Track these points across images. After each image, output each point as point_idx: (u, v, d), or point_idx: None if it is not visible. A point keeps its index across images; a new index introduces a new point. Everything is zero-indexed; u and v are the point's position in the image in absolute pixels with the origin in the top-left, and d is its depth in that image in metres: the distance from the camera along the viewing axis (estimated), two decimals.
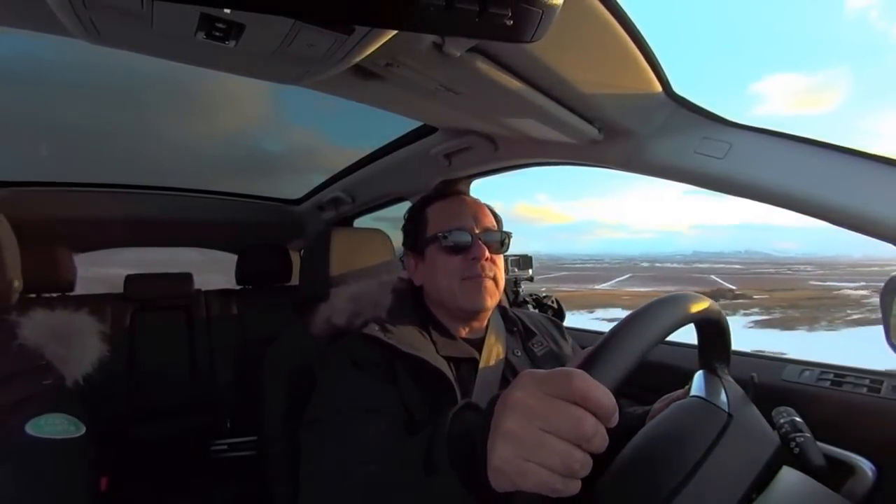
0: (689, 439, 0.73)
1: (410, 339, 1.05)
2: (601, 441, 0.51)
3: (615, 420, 0.51)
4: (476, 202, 1.23)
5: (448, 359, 1.07)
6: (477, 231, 1.14)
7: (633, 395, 1.15)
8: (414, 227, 1.23)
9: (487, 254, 1.13)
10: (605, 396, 0.51)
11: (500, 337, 1.19)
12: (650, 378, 1.03)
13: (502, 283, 1.18)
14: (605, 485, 0.70)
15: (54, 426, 0.82)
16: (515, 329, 1.25)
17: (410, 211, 1.29)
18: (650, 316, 0.66)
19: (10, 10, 0.85)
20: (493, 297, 1.15)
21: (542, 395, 0.52)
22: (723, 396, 0.80)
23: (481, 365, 1.10)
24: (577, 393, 0.51)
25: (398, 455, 0.79)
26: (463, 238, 1.13)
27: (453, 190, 1.25)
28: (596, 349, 0.60)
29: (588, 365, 0.57)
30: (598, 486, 0.70)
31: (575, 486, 0.51)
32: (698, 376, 0.87)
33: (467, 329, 1.17)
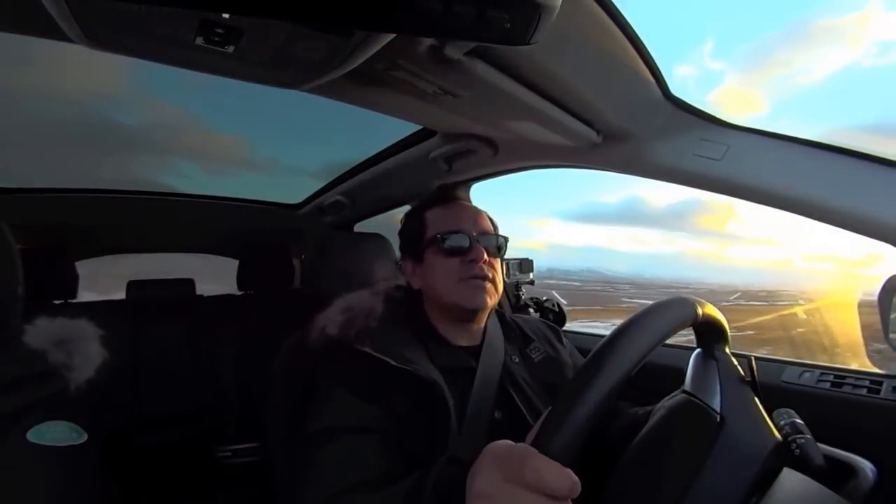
0: (683, 448, 0.73)
1: (403, 350, 1.06)
2: None
3: (575, 494, 0.53)
4: (473, 207, 1.25)
5: (444, 369, 1.07)
6: (475, 234, 1.17)
7: (633, 397, 1.15)
8: (412, 231, 1.24)
9: (485, 256, 1.15)
10: (558, 480, 0.52)
11: (498, 343, 1.20)
12: (650, 380, 1.03)
13: (501, 286, 1.19)
14: (604, 499, 0.71)
15: (56, 433, 0.82)
16: (513, 335, 1.26)
17: (408, 216, 1.31)
18: (603, 368, 0.62)
19: (7, 16, 0.85)
20: (492, 297, 1.16)
21: (501, 483, 0.55)
22: (717, 391, 0.79)
23: (479, 373, 1.11)
24: (530, 480, 0.53)
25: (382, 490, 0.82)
26: (461, 241, 1.15)
27: (451, 195, 1.28)
28: (545, 419, 0.60)
29: (540, 440, 0.58)
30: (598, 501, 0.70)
31: None
32: (694, 359, 0.87)
33: (465, 335, 1.18)
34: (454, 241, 1.16)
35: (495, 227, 1.24)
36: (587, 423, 0.58)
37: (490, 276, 1.15)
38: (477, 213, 1.24)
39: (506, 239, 1.23)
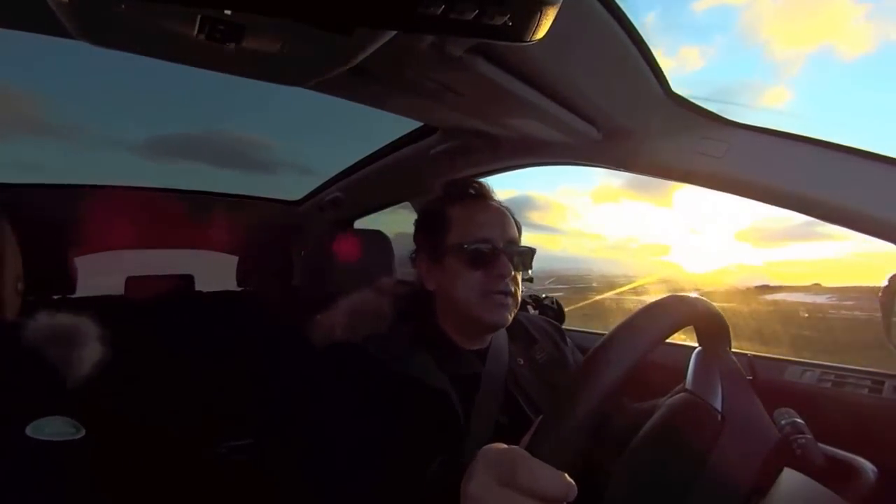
0: (684, 446, 0.73)
1: (410, 356, 1.03)
2: None
3: (571, 496, 0.52)
4: (500, 209, 1.16)
5: (451, 375, 1.03)
6: (501, 244, 1.09)
7: (634, 393, 1.15)
8: (432, 228, 1.16)
9: (512, 272, 1.08)
10: (551, 483, 0.52)
11: (504, 347, 1.16)
12: (652, 376, 1.03)
13: (520, 299, 1.14)
14: (605, 496, 0.70)
15: (55, 428, 0.82)
16: (518, 335, 1.22)
17: (428, 211, 1.22)
18: (598, 373, 0.61)
19: (9, 11, 0.85)
20: (513, 313, 1.11)
21: (494, 487, 0.54)
22: (718, 391, 0.79)
23: (484, 378, 1.07)
24: (524, 483, 0.52)
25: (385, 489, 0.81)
26: (487, 250, 1.08)
27: (479, 192, 1.18)
28: (540, 423, 0.60)
29: (534, 444, 0.57)
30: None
31: None
32: (695, 358, 0.87)
33: (473, 341, 1.14)
34: (480, 251, 1.07)
35: (520, 231, 1.17)
36: (582, 427, 0.57)
37: (513, 290, 1.09)
38: (504, 216, 1.14)
39: (532, 251, 1.15)
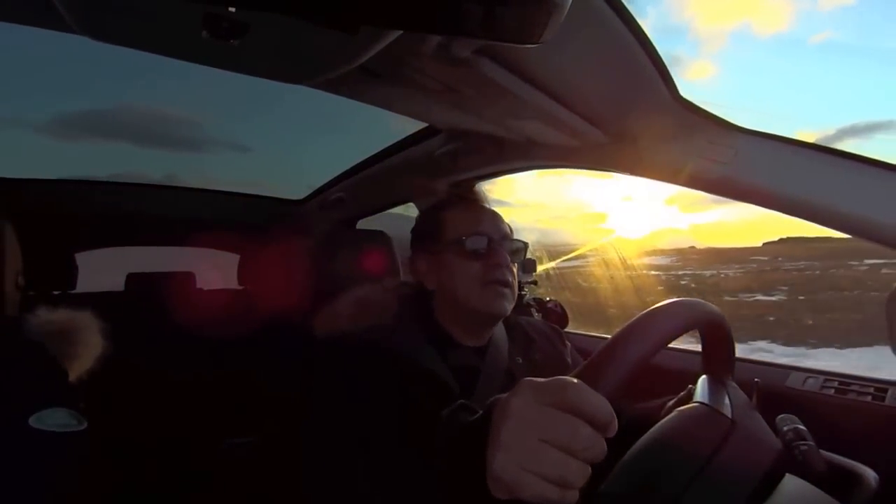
0: (692, 445, 0.73)
1: (414, 348, 1.05)
2: (598, 452, 0.51)
3: (613, 429, 0.52)
4: (492, 210, 1.22)
5: (452, 369, 1.06)
6: (496, 237, 1.14)
7: (634, 398, 1.15)
8: (429, 230, 1.20)
9: (509, 261, 1.13)
10: (601, 407, 0.51)
11: (503, 345, 1.18)
12: (653, 382, 1.02)
13: (517, 292, 1.17)
14: (606, 491, 0.70)
15: (57, 420, 0.83)
16: (517, 336, 1.24)
17: (425, 214, 1.28)
18: (651, 323, 0.67)
19: (13, 6, 0.85)
20: (511, 303, 1.14)
21: (539, 405, 0.53)
22: (726, 402, 0.80)
23: (483, 375, 1.09)
24: (572, 403, 0.51)
25: (393, 474, 0.80)
26: (484, 244, 1.12)
27: (470, 196, 1.24)
28: (594, 358, 0.61)
29: (585, 374, 0.58)
30: (598, 492, 0.69)
31: (572, 497, 0.51)
32: (702, 382, 0.87)
33: (473, 337, 1.15)
34: (477, 243, 1.12)
35: (511, 231, 1.21)
36: (630, 368, 0.61)
37: (510, 280, 1.13)
38: (496, 215, 1.20)
39: (526, 244, 1.21)
